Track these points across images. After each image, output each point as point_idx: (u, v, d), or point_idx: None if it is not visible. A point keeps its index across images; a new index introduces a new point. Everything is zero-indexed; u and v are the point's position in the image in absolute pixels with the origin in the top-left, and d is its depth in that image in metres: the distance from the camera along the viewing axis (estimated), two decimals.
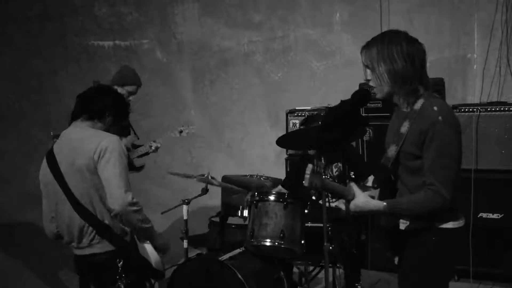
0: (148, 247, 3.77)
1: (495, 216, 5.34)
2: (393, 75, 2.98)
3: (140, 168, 5.85)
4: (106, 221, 3.54)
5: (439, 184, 2.87)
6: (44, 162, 3.69)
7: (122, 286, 3.54)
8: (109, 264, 3.55)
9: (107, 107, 3.72)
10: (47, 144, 6.74)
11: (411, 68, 2.98)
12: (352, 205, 3.01)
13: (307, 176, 2.91)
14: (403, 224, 3.07)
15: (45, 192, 3.71)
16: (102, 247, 3.57)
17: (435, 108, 2.92)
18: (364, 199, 3.00)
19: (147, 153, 5.76)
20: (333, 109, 3.25)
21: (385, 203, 2.96)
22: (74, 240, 3.61)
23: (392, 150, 3.08)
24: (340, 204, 3.19)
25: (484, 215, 5.36)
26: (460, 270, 5.30)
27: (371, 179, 3.24)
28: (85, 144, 3.53)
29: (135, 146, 5.75)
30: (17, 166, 7.75)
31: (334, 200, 3.24)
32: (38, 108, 8.08)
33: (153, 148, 5.70)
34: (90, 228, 3.55)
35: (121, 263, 3.54)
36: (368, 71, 3.08)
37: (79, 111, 3.72)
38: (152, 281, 3.92)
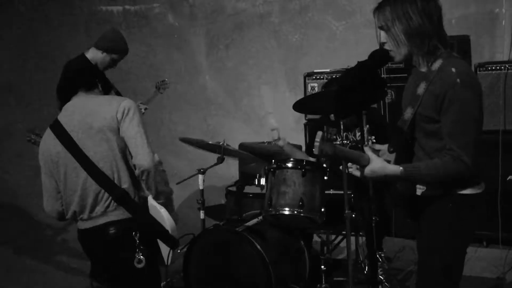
0: (164, 212, 3.60)
1: None
2: (409, 34, 2.81)
3: None
4: (124, 186, 3.45)
5: (460, 150, 2.71)
6: (48, 135, 3.56)
7: (143, 259, 3.41)
8: (126, 238, 3.42)
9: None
10: (56, 115, 6.62)
11: (429, 25, 2.81)
12: (368, 170, 2.85)
13: (316, 143, 2.75)
14: (419, 190, 2.95)
15: (48, 169, 3.56)
16: (118, 214, 3.44)
17: (453, 69, 2.74)
18: (380, 164, 2.84)
19: None
20: (350, 71, 3.07)
21: (401, 168, 2.80)
22: (86, 211, 3.47)
23: (408, 113, 2.92)
24: (355, 171, 3.00)
25: None
26: (488, 235, 5.19)
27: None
28: (104, 106, 3.49)
29: None
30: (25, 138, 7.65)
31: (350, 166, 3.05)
32: (47, 78, 7.90)
33: (142, 111, 5.49)
34: (106, 194, 3.44)
35: (137, 235, 3.42)
36: (383, 33, 2.92)
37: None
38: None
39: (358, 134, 4.24)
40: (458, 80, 2.70)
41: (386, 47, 2.92)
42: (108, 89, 3.82)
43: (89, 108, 3.52)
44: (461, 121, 2.72)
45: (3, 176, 7.41)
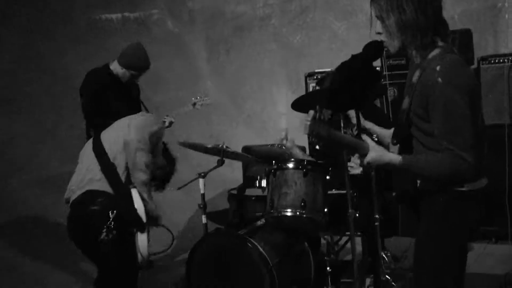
0: (138, 201, 3.74)
1: None
2: (401, 26, 2.72)
3: None
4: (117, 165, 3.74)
5: (459, 150, 2.59)
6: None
7: (106, 238, 3.52)
8: (100, 213, 3.56)
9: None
10: (58, 127, 6.60)
11: (423, 18, 2.70)
12: (369, 157, 2.76)
13: (307, 122, 2.61)
14: (419, 183, 2.85)
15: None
16: (101, 185, 3.65)
17: (437, 67, 2.64)
18: (380, 152, 2.75)
19: None
20: (344, 65, 2.98)
21: (401, 158, 2.72)
22: (76, 183, 3.74)
23: (406, 103, 2.84)
24: (355, 169, 2.92)
25: None
26: (497, 232, 5.09)
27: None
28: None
29: None
30: (28, 151, 7.65)
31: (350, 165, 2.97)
32: (47, 89, 7.92)
33: (166, 123, 5.46)
34: (97, 166, 3.70)
35: (113, 214, 3.54)
36: (379, 22, 2.82)
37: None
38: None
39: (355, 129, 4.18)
40: (439, 79, 2.60)
41: (382, 37, 2.84)
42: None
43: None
44: (450, 120, 2.60)
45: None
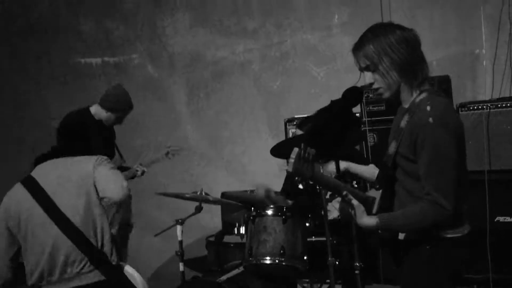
0: (138, 277, 3.47)
1: None
2: (400, 66, 2.71)
3: None
4: (100, 245, 3.32)
5: (437, 194, 2.57)
6: (17, 190, 3.46)
7: None
8: None
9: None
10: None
11: (415, 54, 2.72)
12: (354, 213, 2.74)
13: (291, 160, 2.58)
14: (401, 234, 2.81)
15: (4, 227, 3.43)
16: (93, 276, 3.29)
17: (428, 108, 2.64)
18: (360, 213, 2.73)
19: (133, 177, 5.46)
20: (322, 111, 2.96)
21: (377, 220, 2.68)
22: (55, 271, 3.29)
23: (392, 147, 2.83)
24: (332, 207, 2.88)
25: (501, 219, 5.02)
26: (479, 279, 5.01)
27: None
28: (83, 161, 3.50)
29: (122, 169, 5.40)
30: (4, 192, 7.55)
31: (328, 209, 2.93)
32: (25, 129, 7.85)
33: (139, 173, 5.43)
34: (81, 254, 3.27)
35: None
36: (369, 73, 2.78)
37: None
38: None
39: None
40: (430, 119, 2.59)
41: (375, 85, 2.81)
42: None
43: (68, 163, 3.48)
44: (435, 162, 2.59)
45: None
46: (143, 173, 5.45)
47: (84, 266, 3.27)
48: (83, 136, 4.88)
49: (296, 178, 2.85)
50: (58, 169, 3.46)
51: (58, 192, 3.34)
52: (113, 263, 3.37)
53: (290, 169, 2.59)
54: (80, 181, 3.36)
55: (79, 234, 3.26)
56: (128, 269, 3.46)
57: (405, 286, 2.86)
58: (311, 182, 2.84)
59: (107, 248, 3.35)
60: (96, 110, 5.22)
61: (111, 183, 3.36)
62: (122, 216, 3.41)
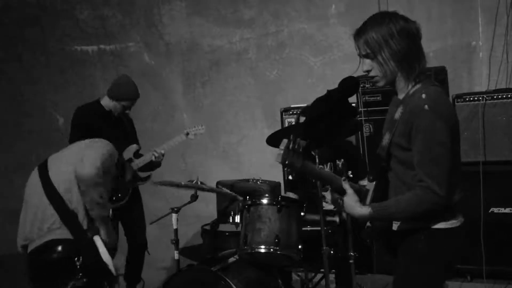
0: (102, 248, 3.65)
1: (507, 210, 5.02)
2: (398, 56, 2.71)
3: (146, 178, 5.55)
4: (76, 210, 3.63)
5: (430, 180, 2.57)
6: (34, 172, 3.88)
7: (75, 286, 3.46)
8: (66, 262, 3.49)
9: None
10: (29, 157, 6.56)
11: (414, 47, 2.72)
12: (344, 201, 2.77)
13: (280, 151, 2.56)
14: (395, 225, 2.82)
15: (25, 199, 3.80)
16: (61, 233, 3.56)
17: (423, 96, 2.65)
18: (352, 202, 2.74)
19: (151, 162, 5.45)
20: (318, 101, 2.96)
21: (370, 209, 2.69)
22: (34, 231, 3.61)
23: (386, 139, 2.82)
24: (330, 204, 2.87)
25: (495, 210, 5.06)
26: (472, 270, 5.05)
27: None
28: (82, 143, 3.99)
29: (137, 156, 5.45)
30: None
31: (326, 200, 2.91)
32: (21, 120, 7.85)
33: (156, 155, 5.40)
34: (55, 214, 3.58)
35: (79, 261, 3.48)
36: (367, 60, 2.79)
37: None
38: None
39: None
40: (426, 106, 2.60)
41: (372, 73, 2.81)
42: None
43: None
44: (430, 149, 2.59)
45: None
46: (160, 156, 5.42)
47: (54, 222, 3.55)
48: (91, 129, 4.97)
49: (287, 169, 2.84)
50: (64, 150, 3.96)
51: (53, 162, 3.77)
52: (84, 227, 3.60)
53: (279, 160, 2.57)
54: (73, 154, 3.76)
55: (57, 197, 3.58)
56: (97, 240, 3.62)
57: (399, 276, 2.87)
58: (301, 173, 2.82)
59: (80, 214, 3.60)
60: (105, 101, 5.34)
61: (88, 159, 3.66)
62: (91, 195, 3.61)
